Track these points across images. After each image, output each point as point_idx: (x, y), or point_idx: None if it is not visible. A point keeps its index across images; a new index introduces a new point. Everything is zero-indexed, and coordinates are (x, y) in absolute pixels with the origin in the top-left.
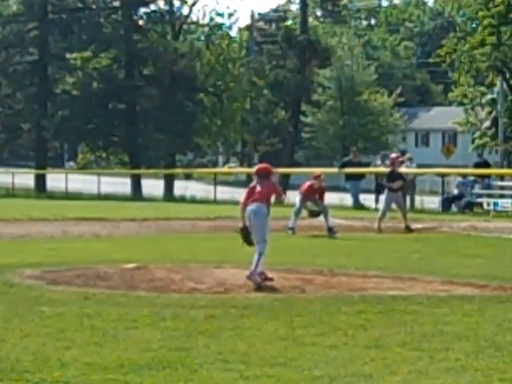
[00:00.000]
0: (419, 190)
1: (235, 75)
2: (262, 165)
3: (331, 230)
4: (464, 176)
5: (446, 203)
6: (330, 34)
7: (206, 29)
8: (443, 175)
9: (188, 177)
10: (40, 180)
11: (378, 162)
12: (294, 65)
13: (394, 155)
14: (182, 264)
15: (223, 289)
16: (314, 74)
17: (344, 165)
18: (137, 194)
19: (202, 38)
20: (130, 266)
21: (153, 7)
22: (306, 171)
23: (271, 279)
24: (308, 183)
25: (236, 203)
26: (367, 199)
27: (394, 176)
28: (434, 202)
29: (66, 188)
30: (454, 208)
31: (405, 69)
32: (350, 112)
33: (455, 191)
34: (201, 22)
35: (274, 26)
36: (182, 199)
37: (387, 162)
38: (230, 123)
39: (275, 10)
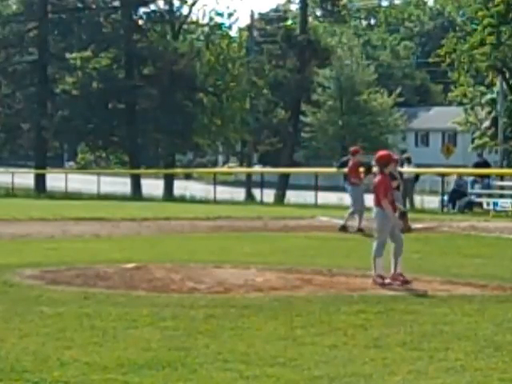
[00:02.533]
0: (419, 189)
1: (235, 75)
2: (381, 152)
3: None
4: (460, 176)
5: (448, 202)
6: (329, 33)
7: (206, 29)
8: (443, 175)
9: (188, 177)
10: (40, 180)
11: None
12: (294, 65)
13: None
14: (181, 264)
15: (223, 289)
16: (313, 74)
17: (343, 165)
18: (136, 193)
19: (202, 37)
20: (130, 265)
21: (152, 7)
22: (306, 171)
23: (407, 282)
24: (350, 165)
25: (235, 203)
26: (367, 199)
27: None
28: (434, 202)
29: (66, 188)
30: (454, 207)
31: (404, 68)
32: (349, 112)
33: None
34: (200, 21)
35: (273, 25)
36: (182, 199)
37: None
38: (230, 123)
39: (275, 10)
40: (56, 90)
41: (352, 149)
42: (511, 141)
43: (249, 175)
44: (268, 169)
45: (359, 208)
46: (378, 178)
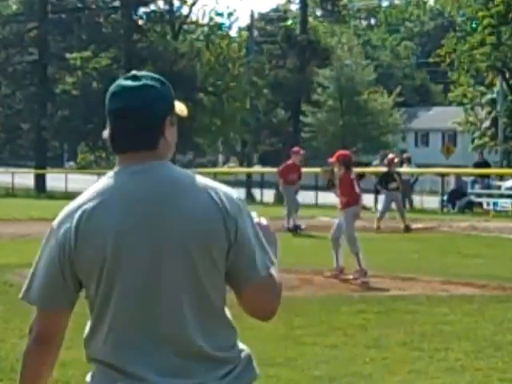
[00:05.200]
0: (419, 189)
1: (235, 75)
2: None
3: (297, 228)
4: (459, 176)
5: (448, 201)
6: (329, 33)
7: (206, 29)
8: (443, 175)
9: None
10: (40, 180)
11: (377, 161)
12: (294, 65)
13: (391, 156)
14: None
15: None
16: (313, 74)
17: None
18: None
19: (202, 37)
20: None
21: (152, 7)
22: (306, 171)
23: None
24: (288, 163)
25: None
26: (367, 199)
27: (388, 177)
28: (433, 202)
29: (66, 188)
30: (454, 207)
31: (404, 68)
32: (349, 112)
33: (452, 186)
34: (200, 21)
35: (273, 25)
36: None
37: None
38: (230, 123)
39: (275, 10)
40: (56, 90)
41: (294, 149)
42: (511, 141)
43: (249, 175)
44: (268, 169)
45: (294, 206)
46: None
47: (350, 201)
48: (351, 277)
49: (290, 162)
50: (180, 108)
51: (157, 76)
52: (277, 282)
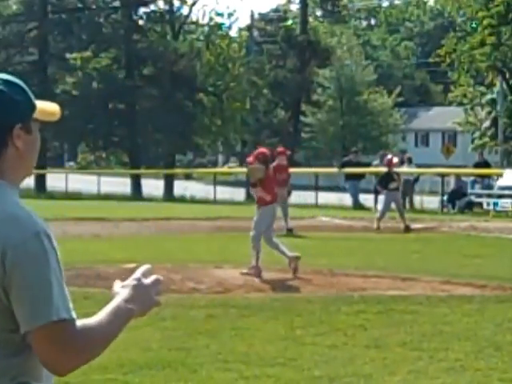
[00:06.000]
0: (419, 190)
1: (235, 75)
2: None
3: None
4: (459, 177)
5: (448, 202)
6: (329, 33)
7: (206, 29)
8: (443, 175)
9: (188, 177)
10: (40, 180)
11: (377, 161)
12: (294, 65)
13: (389, 156)
14: (181, 264)
15: (223, 289)
16: (313, 74)
17: (344, 165)
18: (137, 193)
19: (202, 37)
20: (130, 265)
21: (153, 7)
22: (306, 171)
23: None
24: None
25: (235, 203)
26: (367, 199)
27: (389, 177)
28: (433, 202)
29: (66, 188)
30: (454, 207)
31: (404, 68)
32: (349, 112)
33: (452, 186)
34: (200, 21)
35: (273, 26)
36: (182, 199)
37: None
38: (230, 123)
39: (275, 10)
40: (56, 90)
41: (278, 150)
42: (511, 141)
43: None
44: None
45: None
46: None
47: (274, 197)
48: (246, 271)
49: (275, 163)
50: (45, 111)
51: (10, 78)
52: (72, 338)
